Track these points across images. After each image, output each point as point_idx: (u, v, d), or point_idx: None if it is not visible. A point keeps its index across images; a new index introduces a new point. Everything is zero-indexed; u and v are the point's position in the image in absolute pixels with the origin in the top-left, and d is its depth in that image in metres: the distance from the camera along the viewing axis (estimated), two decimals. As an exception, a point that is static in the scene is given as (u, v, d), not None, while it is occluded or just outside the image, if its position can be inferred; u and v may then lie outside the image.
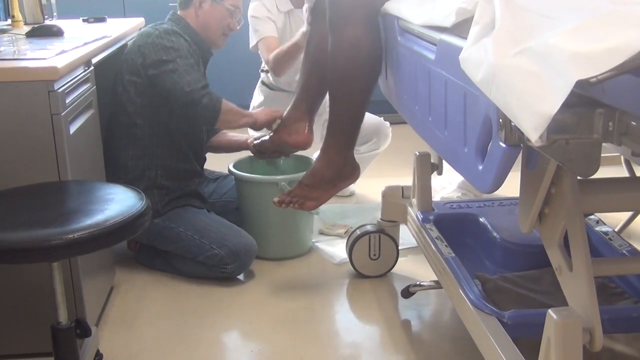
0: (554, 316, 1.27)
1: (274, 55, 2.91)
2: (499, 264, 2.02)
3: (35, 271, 1.87)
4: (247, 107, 3.08)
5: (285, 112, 2.45)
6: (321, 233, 2.82)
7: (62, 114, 1.83)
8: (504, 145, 1.20)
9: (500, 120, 1.19)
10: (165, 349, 2.06)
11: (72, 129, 1.93)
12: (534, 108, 0.96)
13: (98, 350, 1.97)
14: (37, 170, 1.83)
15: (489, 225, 2.12)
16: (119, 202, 1.62)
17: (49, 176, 1.84)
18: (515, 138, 1.18)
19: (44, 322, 1.74)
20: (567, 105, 0.95)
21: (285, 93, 3.06)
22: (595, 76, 0.89)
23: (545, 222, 1.43)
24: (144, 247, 2.59)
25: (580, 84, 0.92)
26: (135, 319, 2.23)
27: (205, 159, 2.74)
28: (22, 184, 1.76)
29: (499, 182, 1.28)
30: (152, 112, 2.46)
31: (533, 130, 0.96)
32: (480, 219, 2.16)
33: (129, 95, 2.46)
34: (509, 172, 1.26)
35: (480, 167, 1.32)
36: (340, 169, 2.19)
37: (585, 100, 1.05)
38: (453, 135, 1.50)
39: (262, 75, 3.21)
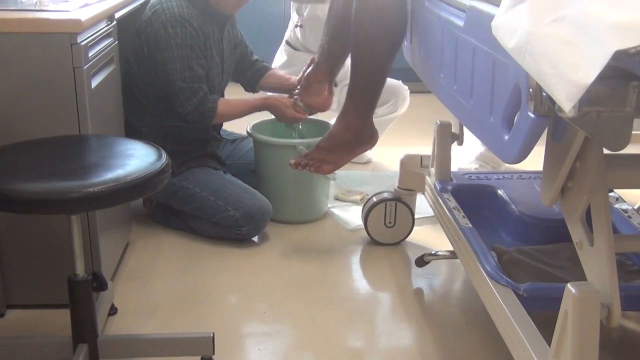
0: (573, 290, 1.27)
1: None
2: (515, 236, 2.01)
3: (54, 224, 1.88)
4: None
5: (305, 73, 2.42)
6: (336, 199, 2.82)
7: (85, 67, 1.83)
8: (532, 115, 1.18)
9: (530, 89, 1.17)
10: (179, 306, 2.07)
11: (94, 83, 1.92)
12: (569, 77, 0.94)
13: (113, 304, 1.99)
14: (58, 124, 1.83)
15: (507, 198, 2.10)
16: (139, 158, 1.62)
17: (70, 130, 1.84)
18: (545, 108, 1.16)
19: (61, 275, 1.75)
20: (600, 77, 0.93)
21: (309, 54, 3.03)
22: (635, 47, 0.87)
23: (567, 196, 1.42)
24: (159, 206, 2.60)
25: (618, 55, 0.90)
26: (150, 275, 2.25)
27: (221, 123, 2.72)
28: (43, 136, 1.77)
29: (524, 153, 1.26)
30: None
31: (567, 100, 0.95)
32: (499, 191, 2.15)
33: (138, 67, 2.43)
34: (535, 143, 1.25)
35: (506, 137, 1.31)
36: (358, 133, 2.18)
37: (619, 72, 1.03)
38: (479, 104, 1.48)
39: (289, 34, 3.17)
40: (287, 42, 3.18)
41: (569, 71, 0.95)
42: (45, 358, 1.78)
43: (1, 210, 1.58)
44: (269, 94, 2.75)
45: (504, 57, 1.28)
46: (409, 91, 3.14)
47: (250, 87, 2.78)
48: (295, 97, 2.51)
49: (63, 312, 1.83)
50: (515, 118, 1.29)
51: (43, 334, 1.90)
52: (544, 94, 1.13)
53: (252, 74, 2.75)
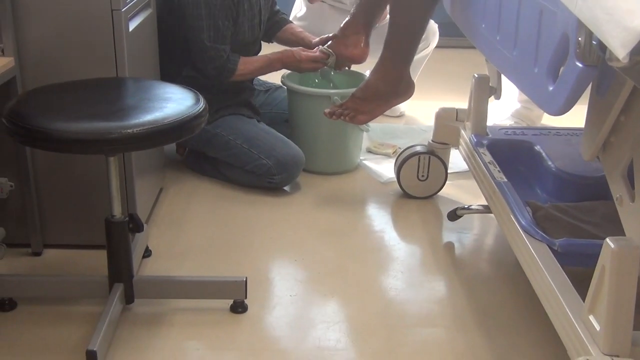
0: (612, 245, 1.25)
1: None
2: (551, 193, 1.99)
3: (91, 165, 1.90)
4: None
5: (342, 23, 2.40)
6: (369, 151, 2.81)
7: (123, 10, 1.82)
8: (580, 65, 1.15)
9: (580, 38, 1.14)
10: (210, 251, 2.10)
11: (132, 26, 1.92)
12: (625, 24, 0.92)
13: (147, 247, 2.02)
14: (95, 66, 1.84)
15: (543, 154, 2.07)
16: (176, 101, 1.63)
17: (107, 72, 1.85)
18: (594, 58, 1.14)
19: (97, 216, 1.78)
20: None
21: (328, 6, 2.98)
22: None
23: (609, 151, 1.39)
24: (192, 153, 2.61)
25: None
26: (183, 220, 2.27)
27: None
28: (81, 78, 1.78)
29: (569, 105, 1.24)
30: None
31: (621, 47, 0.92)
32: (535, 147, 2.12)
33: (170, 17, 2.41)
34: (581, 94, 1.23)
35: (551, 89, 1.28)
36: (395, 84, 2.16)
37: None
38: (523, 55, 1.45)
39: None
40: None
41: (625, 17, 0.92)
42: (82, 296, 1.82)
43: (42, 149, 1.61)
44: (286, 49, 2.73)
45: (552, 5, 1.25)
46: (437, 25, 3.07)
47: (267, 37, 2.76)
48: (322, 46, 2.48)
49: (98, 253, 1.87)
50: (561, 69, 1.26)
51: (80, 273, 1.94)
52: (594, 42, 1.10)
53: (271, 25, 2.72)
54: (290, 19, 3.02)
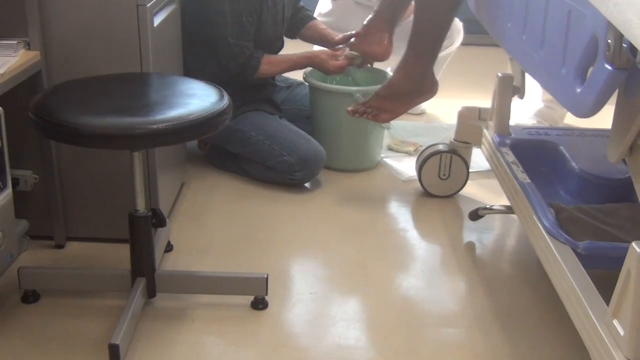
0: (638, 249, 1.24)
1: None
2: (574, 194, 1.97)
3: (115, 160, 1.91)
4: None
5: (366, 21, 2.39)
6: (390, 149, 2.80)
7: (148, 5, 1.83)
8: (609, 67, 1.14)
9: (609, 40, 1.13)
10: (231, 246, 2.10)
11: (156, 21, 1.92)
12: (657, 28, 0.91)
13: (169, 241, 2.03)
14: (120, 61, 1.85)
15: (567, 155, 2.06)
16: (201, 97, 1.63)
17: (132, 67, 1.85)
18: (624, 61, 1.12)
19: (120, 210, 1.79)
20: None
21: (354, 3, 2.97)
22: None
23: (636, 154, 1.38)
24: (214, 148, 2.62)
25: None
26: (204, 215, 2.28)
27: None
28: (106, 72, 1.79)
29: (597, 107, 1.23)
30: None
31: (654, 51, 0.91)
32: (559, 148, 2.10)
33: (194, 13, 2.42)
34: (609, 97, 1.21)
35: (579, 90, 1.27)
36: (418, 83, 2.15)
37: None
38: (550, 56, 1.44)
39: None
40: None
41: (658, 21, 0.91)
42: (104, 289, 1.84)
43: (67, 143, 1.62)
44: (315, 47, 2.72)
45: (581, 6, 1.23)
46: (461, 23, 3.05)
47: (290, 33, 2.75)
48: (346, 47, 2.47)
49: (120, 247, 1.89)
50: (590, 70, 1.25)
51: (102, 267, 1.95)
52: (625, 45, 1.09)
53: (295, 22, 2.72)
54: (315, 15, 3.02)
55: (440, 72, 2.98)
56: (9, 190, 1.67)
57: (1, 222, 1.63)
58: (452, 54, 3.07)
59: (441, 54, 2.95)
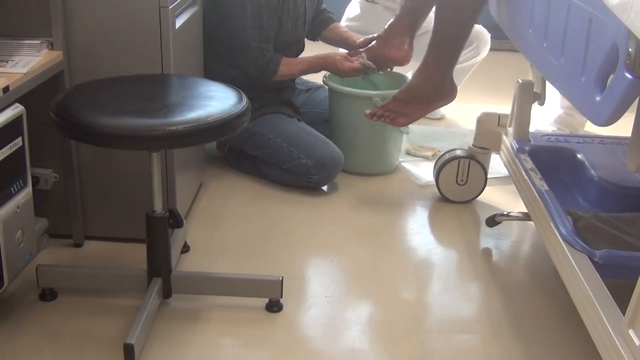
0: (655, 259, 1.23)
1: None
2: (593, 202, 1.96)
3: (134, 160, 1.93)
4: (339, 19, 2.99)
5: (387, 24, 2.39)
6: (408, 153, 2.80)
7: (170, 7, 1.84)
8: (630, 76, 1.14)
9: (630, 49, 1.13)
10: (248, 248, 2.11)
11: (178, 23, 1.94)
12: (678, 37, 0.90)
13: (185, 242, 2.04)
14: (141, 62, 1.87)
15: (586, 162, 2.04)
16: (220, 99, 1.64)
17: (153, 68, 1.87)
18: (644, 70, 1.12)
19: (138, 210, 1.80)
20: None
21: (382, 7, 2.97)
22: None
23: (656, 163, 1.37)
24: (232, 150, 2.63)
25: None
26: (221, 216, 2.29)
27: None
28: (127, 73, 1.80)
29: (616, 116, 1.22)
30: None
31: (674, 61, 0.91)
32: (578, 155, 2.09)
33: (216, 16, 2.43)
34: (629, 106, 1.21)
35: (598, 98, 1.27)
36: (437, 87, 2.15)
37: None
38: (570, 63, 1.43)
39: None
40: None
41: (679, 31, 0.90)
42: (120, 289, 1.85)
43: (87, 143, 1.64)
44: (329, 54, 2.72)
45: (603, 14, 1.23)
46: (489, 35, 3.03)
47: (312, 35, 2.76)
48: (364, 53, 2.48)
49: (138, 247, 1.90)
50: (610, 79, 1.24)
51: (119, 266, 1.97)
52: (645, 54, 1.08)
53: (317, 24, 2.73)
54: (344, 19, 3.04)
55: (463, 81, 2.97)
56: (29, 189, 1.69)
57: (21, 220, 1.65)
58: (477, 64, 3.06)
59: (466, 64, 2.96)
